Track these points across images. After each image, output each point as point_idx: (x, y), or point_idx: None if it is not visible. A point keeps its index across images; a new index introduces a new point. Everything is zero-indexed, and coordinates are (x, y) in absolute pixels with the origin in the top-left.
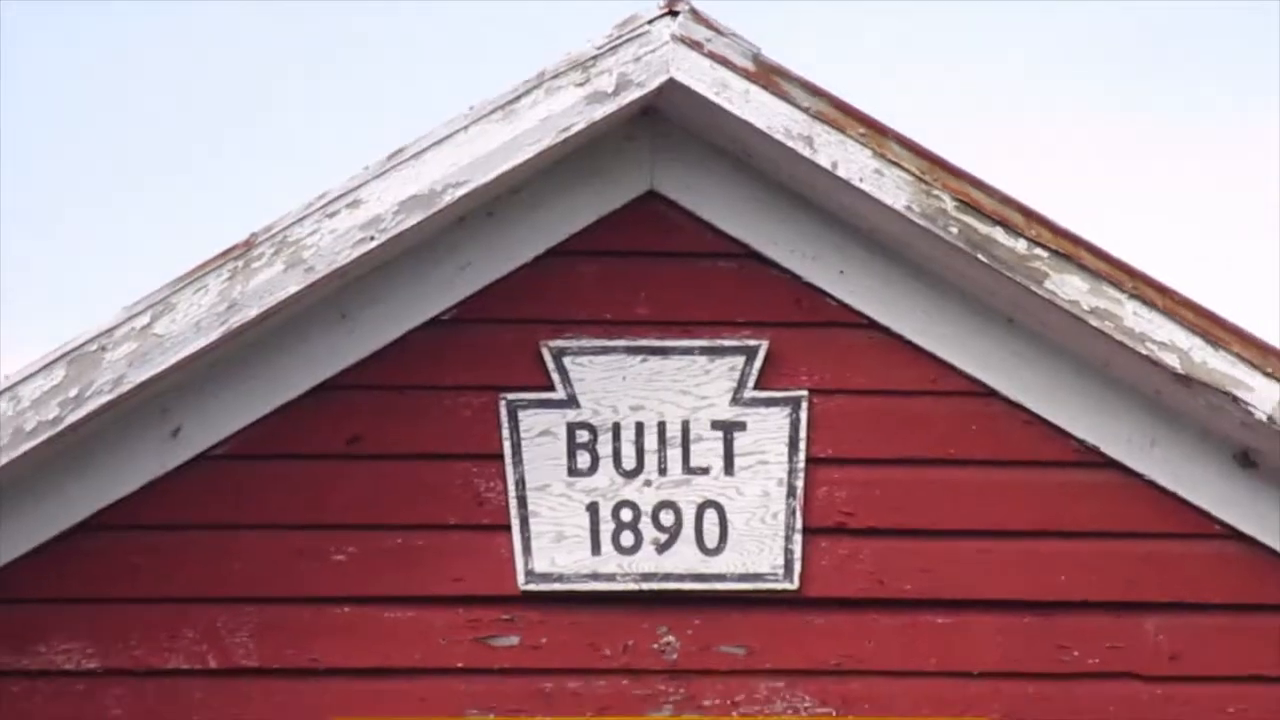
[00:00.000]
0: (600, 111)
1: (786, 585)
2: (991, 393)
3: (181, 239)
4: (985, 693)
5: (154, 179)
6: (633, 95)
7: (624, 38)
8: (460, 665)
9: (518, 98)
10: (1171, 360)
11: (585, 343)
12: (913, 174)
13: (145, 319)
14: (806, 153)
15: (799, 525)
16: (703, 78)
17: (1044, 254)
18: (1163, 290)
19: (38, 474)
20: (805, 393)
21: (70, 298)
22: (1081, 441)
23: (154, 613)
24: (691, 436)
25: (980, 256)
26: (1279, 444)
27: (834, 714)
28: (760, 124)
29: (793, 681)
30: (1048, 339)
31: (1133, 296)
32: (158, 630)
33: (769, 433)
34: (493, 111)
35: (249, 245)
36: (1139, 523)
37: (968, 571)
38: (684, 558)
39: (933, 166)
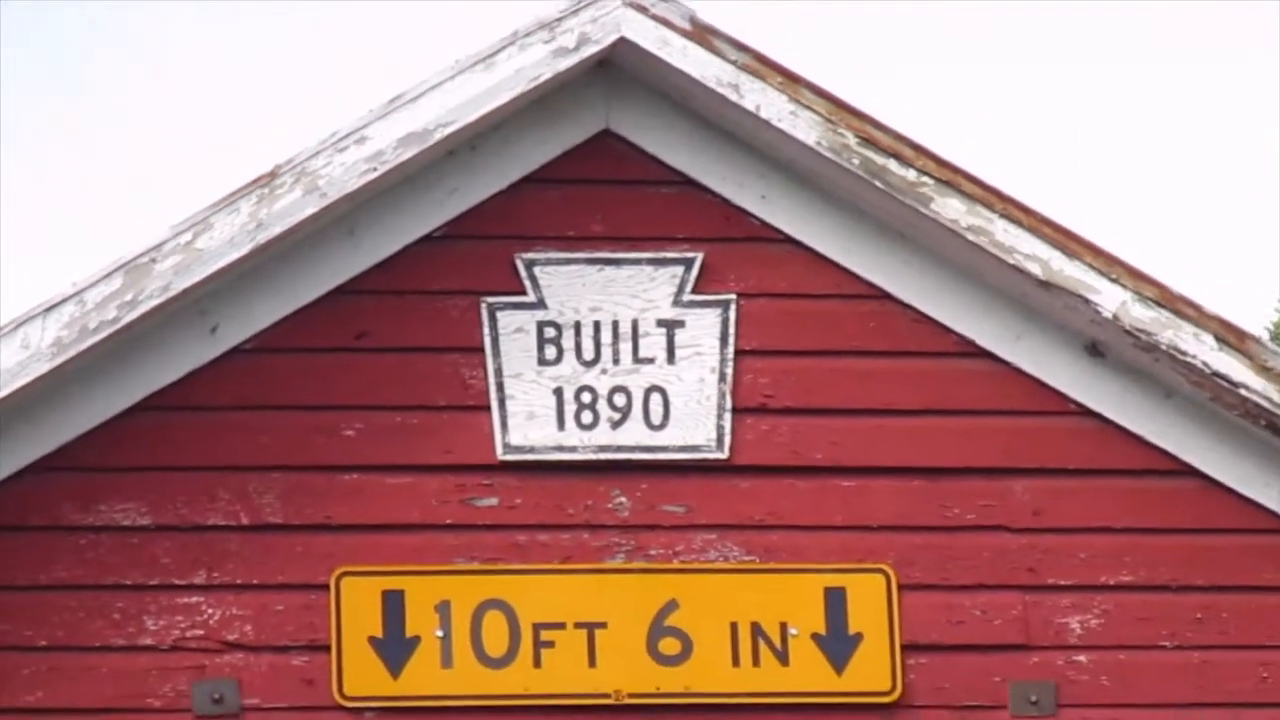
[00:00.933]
0: (564, 64)
1: (718, 455)
2: (887, 296)
3: (216, 167)
4: (881, 543)
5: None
6: (591, 50)
7: (584, 3)
8: (449, 522)
9: (495, 52)
10: (1034, 268)
11: (551, 255)
12: (821, 115)
13: (189, 235)
14: (734, 98)
15: (728, 406)
16: (648, 36)
17: (929, 181)
18: (1027, 211)
19: (99, 364)
20: (734, 296)
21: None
22: (960, 336)
23: (195, 479)
24: (640, 332)
25: (877, 183)
26: (1122, 338)
27: (757, 561)
28: (695, 74)
29: (724, 534)
30: (933, 251)
31: (1002, 216)
32: (199, 493)
33: (704, 329)
34: (475, 64)
35: (273, 175)
36: (1007, 402)
37: (867, 443)
38: (634, 433)
39: (838, 109)
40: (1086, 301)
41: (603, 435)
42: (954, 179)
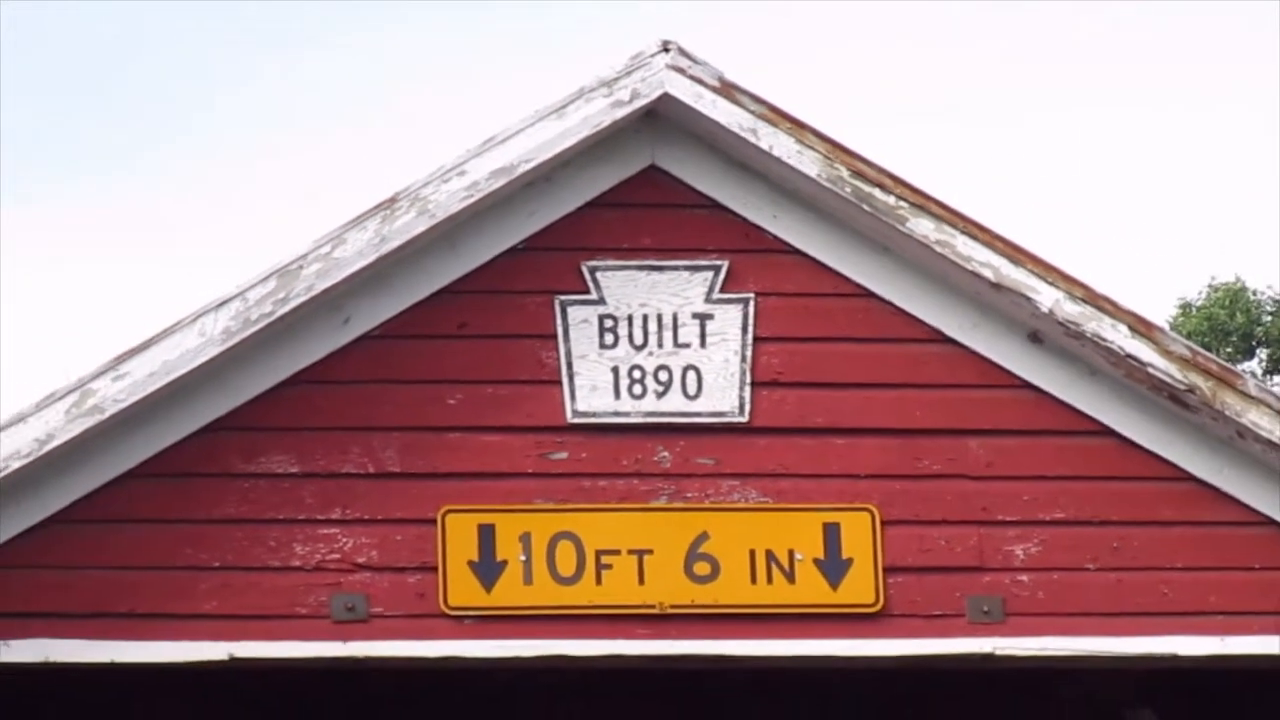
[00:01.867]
0: (620, 114)
1: (741, 419)
2: (872, 295)
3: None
4: (868, 488)
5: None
6: (641, 103)
7: (635, 66)
8: (529, 471)
9: (566, 104)
10: (988, 274)
11: (609, 263)
12: (821, 154)
13: (328, 248)
14: (753, 140)
15: (748, 380)
16: (685, 92)
17: (905, 205)
18: (982, 228)
19: (257, 350)
20: (752, 295)
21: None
22: (930, 326)
23: (332, 437)
24: (679, 323)
25: (865, 207)
26: (1056, 328)
27: (770, 502)
28: (723, 121)
29: (745, 481)
30: (908, 260)
31: (963, 233)
32: (335, 448)
33: (729, 321)
34: (550, 113)
35: (393, 200)
36: (967, 378)
37: (857, 410)
38: (674, 401)
39: (835, 149)
40: (1028, 300)
41: (649, 403)
42: (925, 203)
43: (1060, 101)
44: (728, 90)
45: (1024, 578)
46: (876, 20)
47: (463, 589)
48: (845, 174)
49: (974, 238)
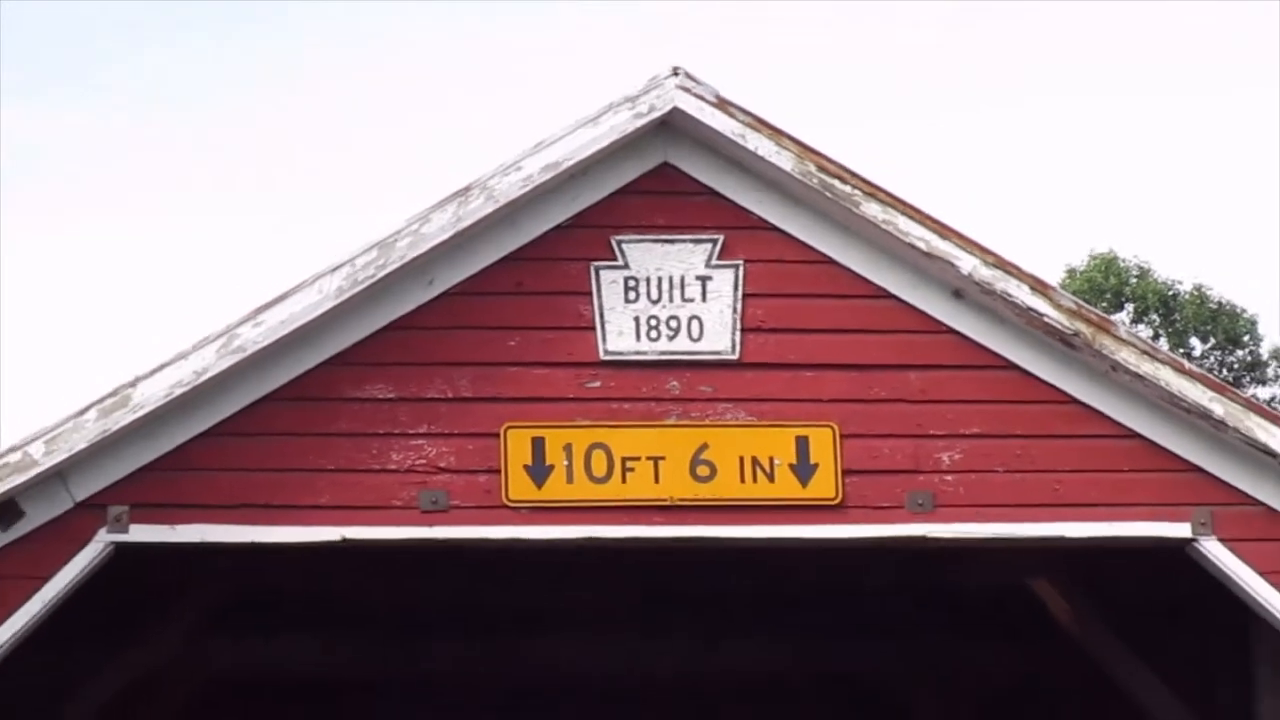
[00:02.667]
0: (640, 123)
1: (733, 357)
2: (834, 262)
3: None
4: (830, 410)
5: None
6: (657, 114)
7: (652, 86)
8: (571, 396)
9: (599, 115)
10: (921, 245)
11: (632, 237)
12: (794, 153)
13: (416, 225)
14: (741, 143)
15: (739, 327)
16: (690, 105)
17: (859, 193)
18: (918, 211)
19: (362, 303)
20: (741, 262)
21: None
22: (879, 286)
23: (420, 370)
24: (685, 284)
25: (827, 194)
26: (974, 287)
27: (756, 420)
28: (719, 128)
29: (736, 404)
30: (862, 235)
31: (903, 214)
32: (422, 378)
33: (724, 281)
34: (587, 122)
35: (467, 189)
36: (906, 325)
37: (822, 350)
38: (682, 343)
39: (805, 149)
40: (953, 265)
41: (663, 345)
42: (874, 192)
43: (975, 99)
44: (723, 105)
45: (949, 478)
46: (825, 17)
47: (519, 486)
48: (812, 169)
49: (911, 218)
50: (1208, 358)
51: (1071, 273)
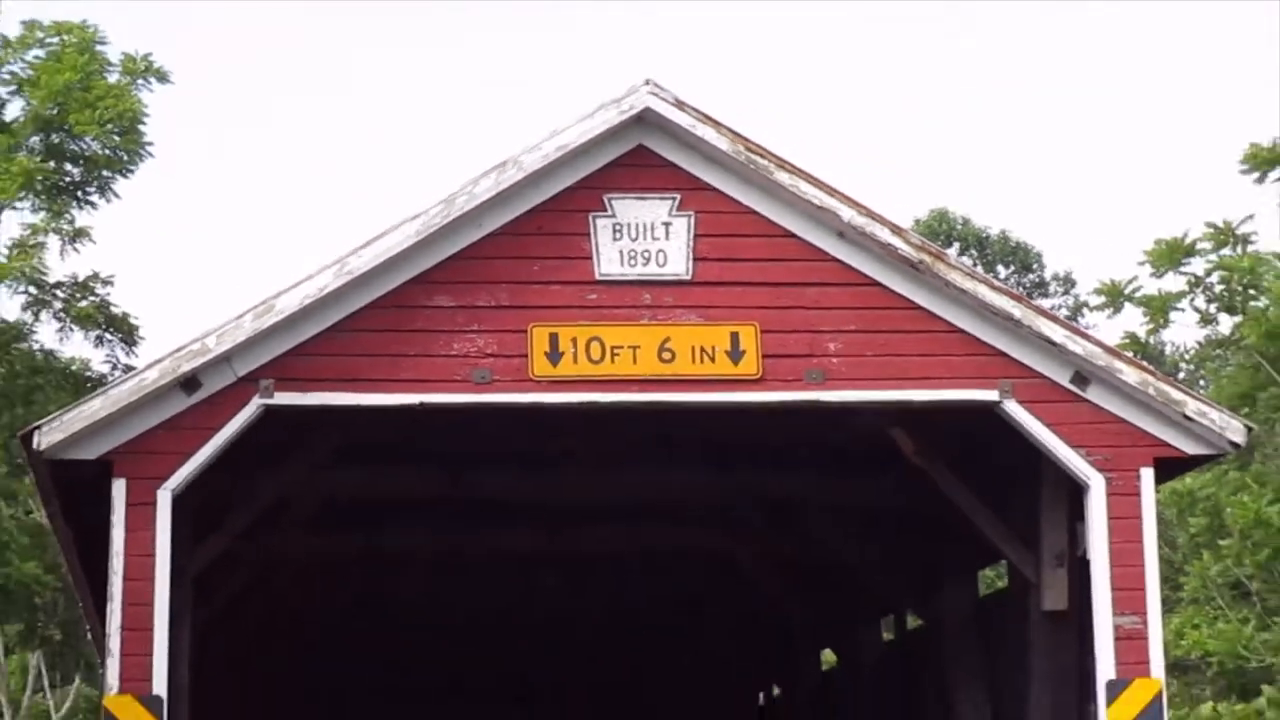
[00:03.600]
0: (623, 118)
1: (687, 278)
2: (756, 213)
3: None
4: (757, 315)
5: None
6: (634, 111)
7: (631, 92)
8: (575, 304)
9: (593, 113)
10: (815, 200)
11: (620, 196)
12: (729, 138)
13: (470, 187)
14: (692, 129)
15: (692, 257)
16: (658, 106)
17: (772, 165)
18: (813, 177)
19: (434, 242)
20: (693, 213)
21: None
22: (786, 229)
23: (469, 286)
24: (654, 227)
25: (751, 165)
26: (853, 230)
27: (703, 322)
28: (677, 120)
29: (690, 309)
30: (775, 194)
31: (803, 179)
32: (471, 292)
33: (682, 227)
34: (585, 118)
35: (504, 163)
36: (805, 256)
37: (749, 272)
38: (652, 270)
39: (736, 136)
40: (837, 215)
41: (639, 270)
42: (782, 164)
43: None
44: (680, 105)
45: (834, 360)
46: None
47: (541, 366)
48: (741, 149)
49: (808, 182)
50: (1009, 280)
51: (916, 222)
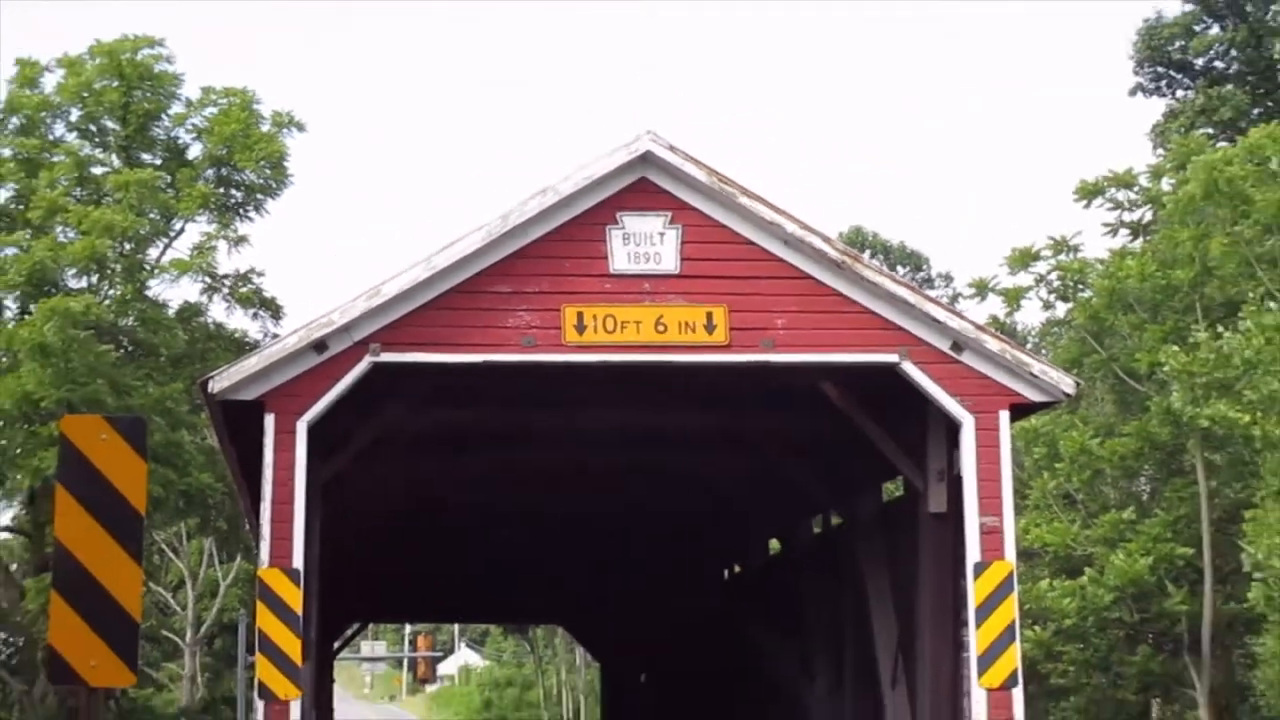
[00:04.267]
0: (630, 157)
1: (676, 272)
2: (726, 227)
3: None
4: (724, 299)
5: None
6: (639, 153)
7: (635, 139)
8: (595, 291)
9: (612, 153)
10: (767, 216)
11: (628, 213)
12: (706, 172)
13: (519, 206)
14: (684, 167)
15: (680, 258)
16: (656, 149)
17: (737, 192)
18: (765, 200)
19: (496, 244)
20: (682, 226)
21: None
22: (746, 238)
23: (521, 277)
24: (653, 235)
25: (722, 193)
26: (794, 239)
27: (687, 304)
28: (669, 160)
29: (678, 295)
30: (739, 213)
31: (759, 202)
32: (522, 281)
33: (673, 236)
34: (603, 157)
35: (544, 189)
36: (759, 258)
37: (721, 268)
38: (651, 265)
39: (712, 170)
40: (783, 228)
41: (641, 266)
42: (744, 191)
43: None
44: (671, 148)
45: (781, 332)
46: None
47: (571, 335)
48: (715, 180)
49: (762, 203)
50: (906, 275)
51: (840, 234)
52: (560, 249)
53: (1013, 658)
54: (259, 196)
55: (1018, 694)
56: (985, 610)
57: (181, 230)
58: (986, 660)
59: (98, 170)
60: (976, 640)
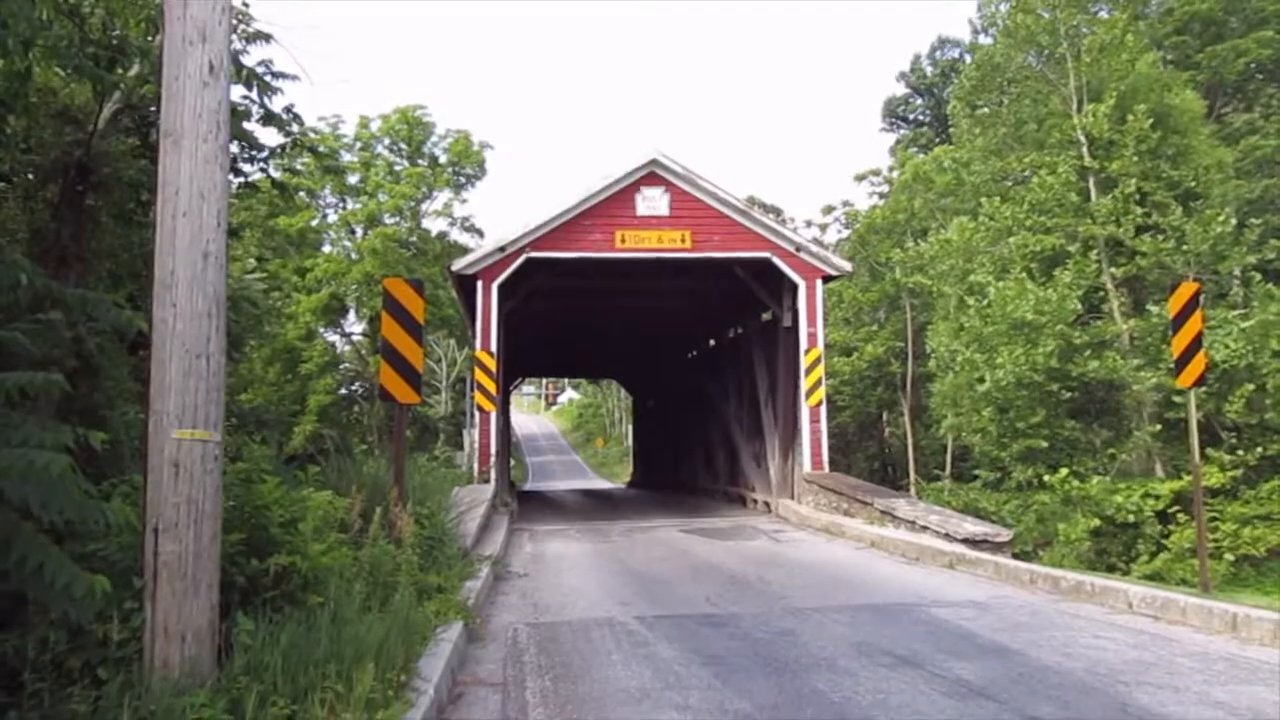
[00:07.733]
0: (645, 160)
1: (669, 216)
2: (711, 207)
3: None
4: (692, 228)
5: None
6: (649, 158)
7: (645, 158)
8: (630, 224)
9: (631, 171)
10: (734, 201)
11: (645, 187)
12: (682, 169)
13: (597, 183)
14: (674, 166)
15: (671, 211)
16: (660, 157)
17: (716, 187)
18: (717, 185)
19: (586, 202)
20: (671, 194)
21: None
22: (708, 204)
23: (591, 223)
24: (658, 198)
25: (696, 180)
26: (738, 207)
27: (675, 229)
28: (669, 165)
29: (671, 227)
30: (718, 199)
31: (712, 185)
32: (592, 227)
33: (668, 199)
34: (622, 173)
35: (606, 175)
36: (735, 230)
37: (709, 225)
38: (658, 213)
39: (688, 169)
40: (720, 196)
41: (651, 212)
42: (719, 190)
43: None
44: (667, 157)
45: (715, 241)
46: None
47: (621, 242)
48: (687, 171)
49: (712, 184)
50: (770, 215)
51: (745, 196)
52: (612, 205)
53: (820, 393)
54: (473, 181)
55: (823, 409)
56: (809, 371)
57: (435, 197)
58: (809, 393)
59: (397, 167)
60: (804, 384)
